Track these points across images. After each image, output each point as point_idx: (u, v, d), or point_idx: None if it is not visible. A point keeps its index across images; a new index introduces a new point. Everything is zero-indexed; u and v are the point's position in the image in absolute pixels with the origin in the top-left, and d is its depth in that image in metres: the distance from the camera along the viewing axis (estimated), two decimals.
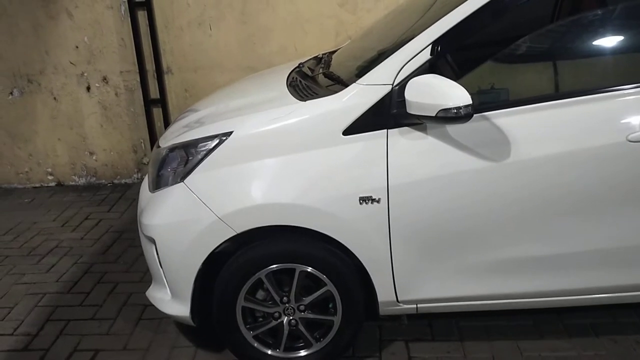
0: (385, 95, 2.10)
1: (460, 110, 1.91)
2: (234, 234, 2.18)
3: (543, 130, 2.09)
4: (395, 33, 2.46)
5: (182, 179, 2.26)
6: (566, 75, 2.24)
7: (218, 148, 2.22)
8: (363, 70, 2.23)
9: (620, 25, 2.24)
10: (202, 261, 2.22)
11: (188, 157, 2.30)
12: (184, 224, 2.21)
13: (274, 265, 2.25)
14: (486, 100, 2.14)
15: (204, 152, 2.25)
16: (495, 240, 2.18)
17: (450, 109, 1.92)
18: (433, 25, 2.13)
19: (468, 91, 1.98)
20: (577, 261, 2.19)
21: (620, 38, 2.24)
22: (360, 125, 2.13)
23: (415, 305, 2.30)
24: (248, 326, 2.37)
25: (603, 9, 2.30)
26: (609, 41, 2.23)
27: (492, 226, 2.16)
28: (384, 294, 2.26)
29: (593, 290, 2.24)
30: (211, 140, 2.26)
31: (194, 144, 2.30)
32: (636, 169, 2.05)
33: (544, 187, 2.10)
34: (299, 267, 2.26)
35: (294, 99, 2.32)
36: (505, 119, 2.08)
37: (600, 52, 2.23)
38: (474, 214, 2.14)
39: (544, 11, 2.35)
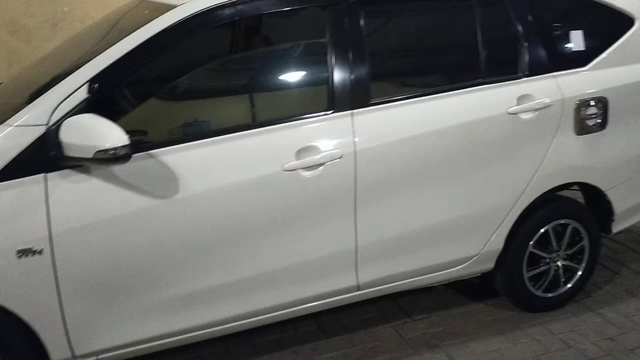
0: (40, 137, 1.96)
1: (118, 151, 1.87)
2: None
3: (208, 165, 2.16)
4: (61, 67, 2.31)
5: None
6: (229, 111, 2.37)
7: None
8: (20, 108, 2.03)
9: (278, 65, 2.47)
10: None
11: None
12: None
13: None
14: (152, 139, 2.14)
15: None
16: (172, 277, 2.18)
17: (107, 150, 1.87)
18: (91, 61, 2.07)
19: (136, 129, 1.95)
20: (252, 285, 2.32)
21: (278, 77, 2.47)
22: (13, 171, 1.94)
23: (95, 357, 2.16)
24: None
25: (259, 51, 2.51)
26: (267, 79, 2.46)
27: (166, 264, 2.16)
28: (57, 351, 2.06)
29: (270, 309, 2.40)
30: None
31: None
32: (292, 196, 2.27)
33: (213, 219, 2.18)
34: None
35: None
36: (172, 155, 2.11)
37: (259, 89, 2.43)
38: (147, 254, 2.12)
39: (209, 50, 2.46)
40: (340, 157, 2.29)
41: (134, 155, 2.00)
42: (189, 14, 2.16)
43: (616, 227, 2.99)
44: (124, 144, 1.88)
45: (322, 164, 2.27)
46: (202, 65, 2.35)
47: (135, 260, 2.10)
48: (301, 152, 2.25)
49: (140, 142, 2.08)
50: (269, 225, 2.27)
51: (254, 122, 2.28)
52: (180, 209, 2.12)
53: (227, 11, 2.22)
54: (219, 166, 2.17)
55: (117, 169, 2.02)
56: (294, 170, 2.24)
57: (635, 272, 3.29)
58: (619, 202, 2.92)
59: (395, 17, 2.62)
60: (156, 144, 2.10)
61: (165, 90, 2.26)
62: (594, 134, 2.76)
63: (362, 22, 2.37)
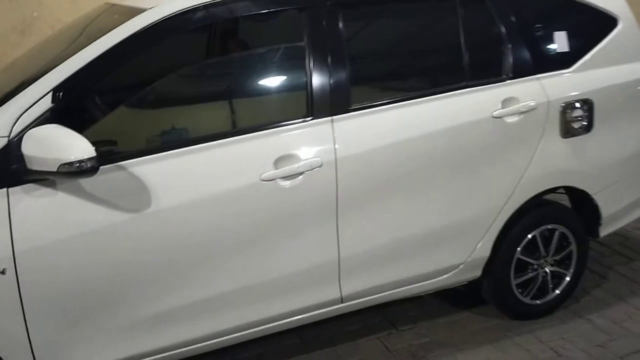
0: (1, 150, 1.85)
1: (83, 164, 1.76)
2: None
3: (182, 177, 2.06)
4: (28, 74, 2.19)
5: None
6: (203, 119, 2.26)
7: None
8: None
9: (254, 70, 2.37)
10: None
11: None
12: None
13: None
14: (122, 149, 2.03)
15: None
16: (146, 295, 2.08)
17: (72, 163, 1.75)
18: (56, 69, 1.97)
19: (105, 139, 1.85)
20: (231, 300, 2.22)
21: (254, 83, 2.38)
22: None
23: None
24: None
25: (234, 56, 2.42)
26: (243, 85, 2.36)
27: (139, 281, 2.05)
28: None
29: (251, 324, 2.30)
30: None
31: None
32: (271, 207, 2.17)
33: (188, 233, 2.08)
34: None
35: None
36: (144, 167, 2.00)
37: (235, 96, 2.34)
38: (118, 272, 2.01)
39: (181, 55, 2.37)
40: (320, 166, 2.20)
41: (103, 167, 1.89)
42: (158, 18, 2.06)
43: (604, 231, 2.93)
44: (90, 156, 1.77)
45: (301, 173, 2.18)
46: (175, 71, 2.25)
47: (108, 278, 2.00)
48: (279, 161, 2.15)
49: (110, 153, 1.98)
50: (247, 237, 2.17)
51: (230, 131, 2.17)
52: (153, 224, 2.01)
53: (199, 15, 2.11)
54: (193, 177, 2.07)
55: (85, 182, 1.91)
56: (273, 180, 2.14)
57: (623, 275, 3.24)
58: (606, 206, 2.87)
59: (375, 19, 2.54)
60: (126, 155, 2.00)
61: (135, 99, 2.16)
62: (579, 136, 2.70)
63: (341, 24, 2.29)
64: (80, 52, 2.00)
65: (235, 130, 2.19)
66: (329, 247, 2.31)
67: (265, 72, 2.36)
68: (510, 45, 2.58)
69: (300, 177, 2.18)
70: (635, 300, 2.99)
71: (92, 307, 2.01)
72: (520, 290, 2.78)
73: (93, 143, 1.82)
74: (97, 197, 1.93)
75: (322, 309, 2.39)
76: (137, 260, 2.03)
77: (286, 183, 2.17)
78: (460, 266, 2.61)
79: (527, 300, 2.81)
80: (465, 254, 2.60)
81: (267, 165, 2.14)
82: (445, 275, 2.60)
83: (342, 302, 2.42)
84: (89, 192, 1.92)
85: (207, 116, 2.26)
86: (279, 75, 2.38)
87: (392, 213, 2.38)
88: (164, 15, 2.07)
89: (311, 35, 2.25)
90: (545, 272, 2.81)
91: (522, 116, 2.54)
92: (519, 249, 2.71)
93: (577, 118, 2.67)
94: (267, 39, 2.39)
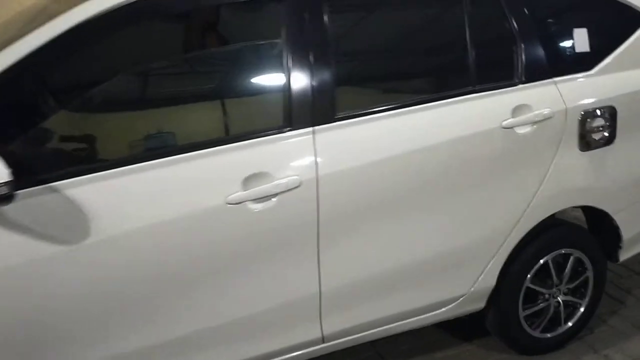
0: None
1: None
2: None
3: (130, 200, 1.71)
4: None
5: None
6: (157, 129, 1.87)
7: None
8: None
9: (221, 72, 2.02)
10: None
11: None
12: None
13: None
14: (56, 168, 1.67)
15: None
16: (85, 339, 1.74)
17: None
18: None
19: (33, 155, 1.58)
20: (193, 344, 1.89)
21: (221, 86, 2.00)
22: None
23: None
24: None
25: (198, 55, 2.05)
26: (208, 90, 2.00)
27: (76, 324, 1.72)
28: None
29: None
30: None
31: None
32: (239, 234, 1.84)
33: (139, 266, 1.74)
34: None
35: None
36: (83, 189, 1.66)
37: (197, 102, 1.97)
38: (47, 316, 1.68)
39: (134, 51, 1.99)
40: (298, 186, 1.86)
41: (30, 189, 1.58)
42: (104, 7, 1.71)
43: (624, 255, 2.61)
44: (4, 180, 1.44)
45: (275, 195, 1.84)
46: (126, 70, 1.87)
47: (24, 325, 1.66)
48: (249, 180, 1.81)
49: (39, 173, 1.63)
50: (210, 270, 1.84)
51: (190, 144, 1.81)
52: (89, 257, 1.67)
53: (155, 4, 1.78)
54: (142, 200, 1.73)
55: (8, 208, 1.56)
56: (241, 202, 1.80)
57: None
58: (628, 227, 2.54)
59: (367, 12, 2.18)
60: (61, 174, 1.65)
61: (75, 104, 1.78)
62: (599, 149, 2.37)
63: (326, 18, 1.94)
64: (9, 47, 1.66)
65: (197, 143, 1.81)
66: (309, 280, 1.97)
67: (235, 74, 1.99)
68: (522, 44, 2.23)
69: (274, 199, 1.84)
70: None
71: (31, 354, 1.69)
72: (529, 322, 2.46)
73: (19, 161, 1.51)
74: (20, 225, 1.59)
75: (299, 350, 2.06)
76: (68, 305, 1.69)
77: (257, 206, 1.83)
78: (462, 298, 2.27)
79: (536, 333, 2.48)
80: (467, 285, 2.27)
81: (234, 186, 1.80)
82: (444, 309, 2.27)
83: (323, 342, 2.09)
84: (11, 219, 1.58)
85: (162, 126, 1.88)
86: (251, 77, 1.99)
87: (383, 240, 2.05)
88: (112, 5, 1.73)
89: (290, 30, 1.90)
90: (558, 302, 2.49)
91: (535, 126, 2.20)
92: (528, 276, 2.38)
93: (598, 128, 2.34)
94: (239, 34, 2.01)
